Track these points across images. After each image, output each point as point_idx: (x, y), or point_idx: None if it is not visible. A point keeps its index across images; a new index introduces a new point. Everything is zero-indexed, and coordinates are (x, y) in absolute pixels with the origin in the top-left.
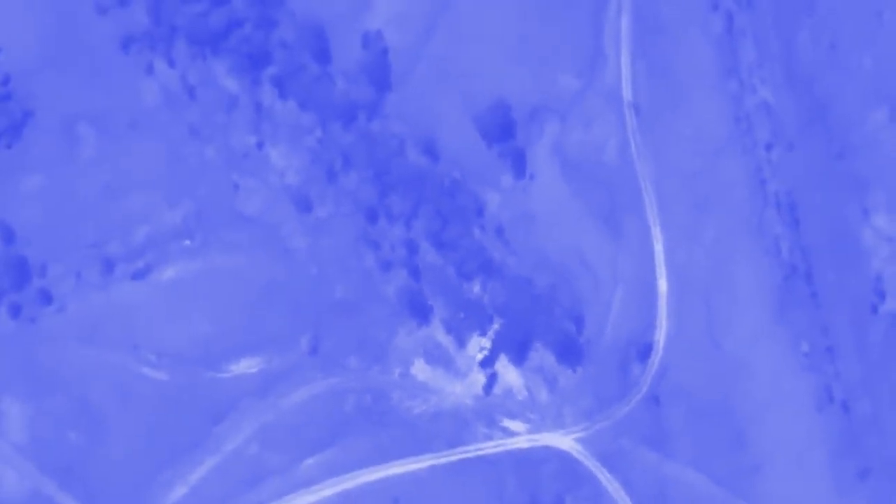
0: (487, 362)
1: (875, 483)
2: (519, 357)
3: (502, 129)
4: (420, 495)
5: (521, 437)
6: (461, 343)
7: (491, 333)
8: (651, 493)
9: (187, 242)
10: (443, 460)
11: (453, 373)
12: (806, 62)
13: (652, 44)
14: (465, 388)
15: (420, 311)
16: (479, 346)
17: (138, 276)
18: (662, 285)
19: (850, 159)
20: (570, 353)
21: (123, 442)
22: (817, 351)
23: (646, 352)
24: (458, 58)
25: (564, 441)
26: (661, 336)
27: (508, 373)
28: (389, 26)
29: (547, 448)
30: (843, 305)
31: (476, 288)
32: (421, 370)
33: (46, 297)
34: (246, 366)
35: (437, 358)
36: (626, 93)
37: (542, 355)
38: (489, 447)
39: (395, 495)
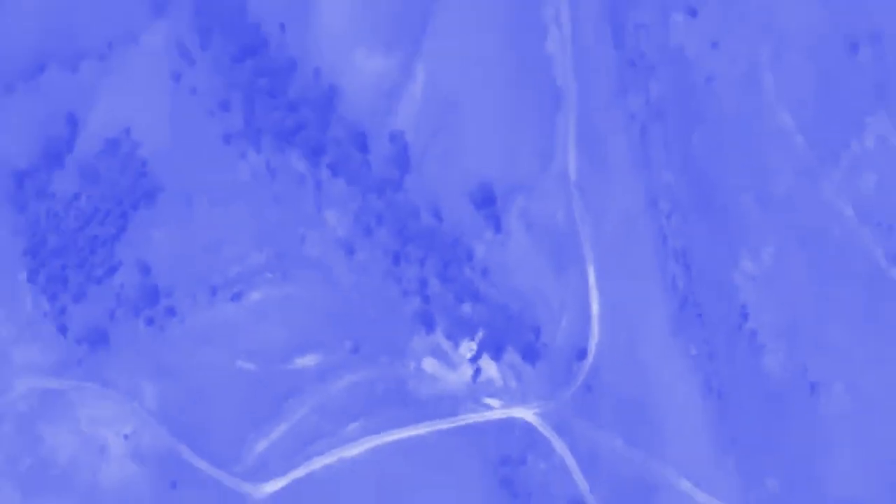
0: (474, 360)
1: (742, 448)
2: (496, 356)
3: (486, 200)
4: (427, 450)
5: (497, 411)
6: (456, 346)
7: (477, 340)
8: (586, 450)
9: (269, 275)
10: (443, 426)
11: (450, 367)
12: (698, 156)
13: (591, 141)
14: (458, 377)
15: (428, 324)
16: (468, 348)
17: (235, 298)
18: (595, 308)
19: (725, 224)
20: (530, 354)
21: (224, 413)
22: (702, 355)
23: (582, 354)
24: (457, 149)
25: (527, 414)
26: (592, 344)
27: (489, 367)
28: (408, 127)
29: (514, 419)
30: (719, 324)
31: (467, 309)
32: (429, 365)
33: (171, 312)
34: (308, 361)
35: (440, 356)
36: (573, 175)
37: (512, 356)
38: (475, 417)
39: (409, 449)
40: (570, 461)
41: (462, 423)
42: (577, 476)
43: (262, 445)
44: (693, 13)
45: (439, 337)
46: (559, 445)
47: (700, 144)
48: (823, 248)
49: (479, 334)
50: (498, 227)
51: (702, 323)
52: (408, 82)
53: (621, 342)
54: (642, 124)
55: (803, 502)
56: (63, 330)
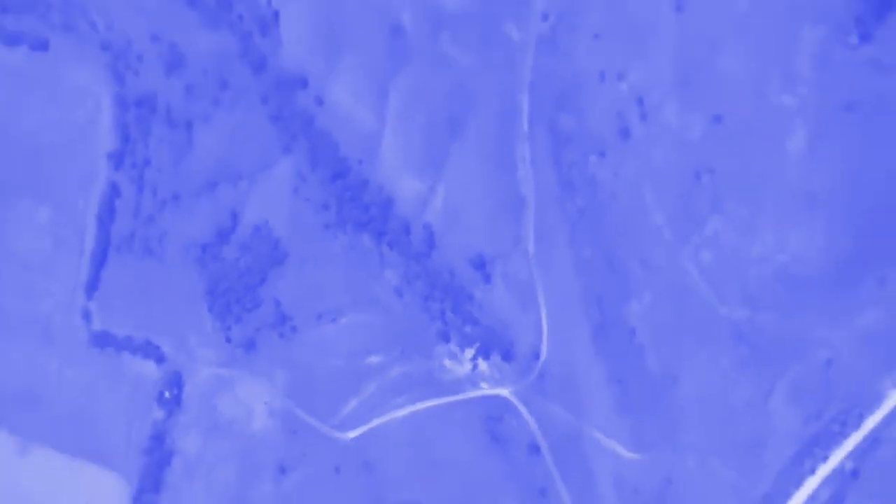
0: (473, 359)
1: (635, 412)
2: (486, 357)
3: (480, 265)
4: (444, 413)
5: (486, 390)
6: (462, 351)
7: (475, 348)
8: (539, 414)
9: (352, 308)
10: (454, 399)
11: (459, 363)
12: (606, 243)
13: (543, 232)
14: (463, 370)
15: (446, 338)
16: (470, 353)
17: (332, 321)
18: (545, 329)
19: (623, 278)
20: (507, 356)
21: (325, 389)
22: (610, 358)
23: (537, 356)
24: (463, 234)
25: (504, 392)
26: (543, 351)
27: (482, 364)
28: (435, 221)
29: (497, 395)
30: (619, 338)
31: (469, 329)
32: (446, 363)
33: (294, 329)
34: (374, 359)
35: (453, 357)
36: (531, 251)
37: (496, 358)
38: (474, 393)
39: (435, 412)
40: (531, 420)
41: (465, 397)
42: (535, 429)
43: (345, 410)
44: (602, 154)
45: (453, 346)
46: (524, 411)
47: (606, 234)
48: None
49: (476, 344)
50: (488, 281)
51: (606, 339)
52: (434, 195)
53: (561, 350)
54: (572, 223)
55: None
56: (228, 340)
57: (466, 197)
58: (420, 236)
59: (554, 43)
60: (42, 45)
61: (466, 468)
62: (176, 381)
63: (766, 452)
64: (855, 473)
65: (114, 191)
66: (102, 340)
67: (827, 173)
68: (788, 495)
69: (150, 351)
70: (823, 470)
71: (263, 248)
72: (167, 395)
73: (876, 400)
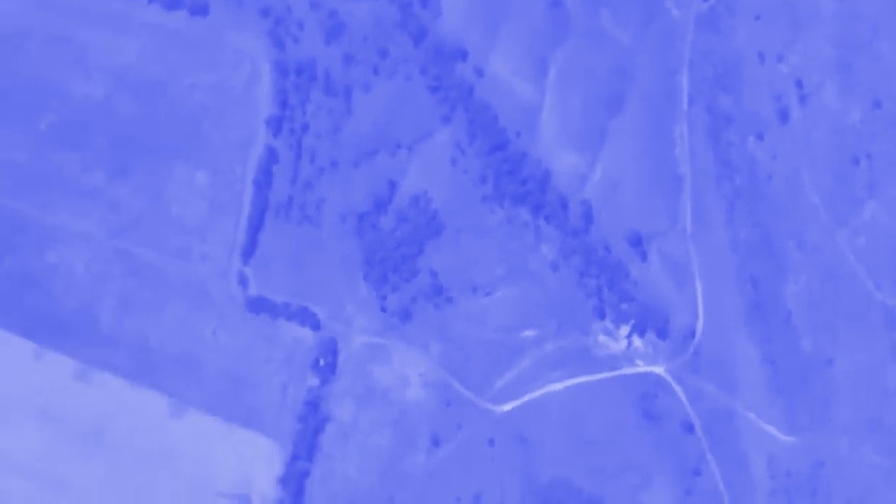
0: (628, 336)
1: (789, 394)
2: (641, 335)
3: (637, 242)
4: (600, 388)
5: (641, 367)
6: (618, 328)
7: (630, 325)
8: (693, 392)
9: (508, 281)
10: (609, 375)
11: (615, 340)
12: (761, 221)
13: (699, 210)
14: (619, 346)
15: (601, 315)
16: (625, 330)
17: (487, 294)
18: (700, 307)
19: (781, 260)
20: (662, 334)
21: (479, 361)
22: (763, 339)
23: (692, 335)
24: (621, 211)
25: (659, 370)
26: (699, 328)
27: (637, 341)
28: (592, 197)
29: (651, 372)
30: (775, 315)
31: (625, 307)
32: (602, 339)
33: (449, 300)
34: (530, 333)
35: (608, 334)
36: (688, 230)
37: (650, 335)
38: (629, 370)
39: (590, 387)
40: (684, 398)
41: (620, 373)
42: (688, 407)
43: (500, 383)
44: (760, 137)
45: (608, 322)
46: (678, 389)
47: (763, 215)
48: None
49: (632, 321)
50: (644, 258)
51: (761, 319)
52: (592, 170)
53: (715, 329)
54: (729, 203)
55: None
56: (384, 309)
57: (624, 174)
58: (577, 211)
59: (714, 23)
60: (202, 10)
61: (619, 445)
62: (331, 349)
63: None
64: None
65: (271, 157)
66: (258, 306)
67: None
68: None
69: (306, 318)
70: None
71: (421, 219)
72: (322, 362)
73: None
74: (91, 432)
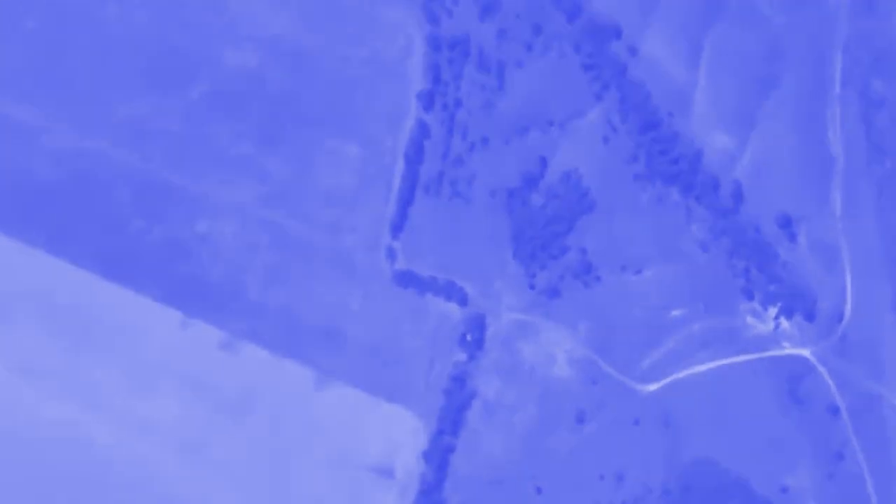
0: (776, 318)
1: None
2: (789, 317)
3: (786, 223)
4: (747, 369)
5: (788, 349)
6: (765, 310)
7: (778, 307)
8: (839, 376)
9: (658, 258)
10: (756, 356)
11: (762, 322)
12: None
13: (850, 193)
14: (766, 328)
15: (750, 296)
16: (773, 311)
17: (636, 272)
18: (849, 291)
19: None
20: (810, 316)
21: (624, 340)
22: None
23: (840, 318)
24: (771, 192)
25: (805, 352)
26: (847, 311)
27: (784, 323)
28: (743, 178)
29: (798, 355)
30: None
31: (773, 288)
32: (750, 320)
33: (598, 279)
34: (678, 312)
35: (756, 315)
36: (838, 212)
37: (798, 317)
38: (776, 352)
39: (738, 368)
40: (830, 382)
41: (768, 355)
42: (834, 391)
43: (646, 363)
44: None
45: (756, 304)
46: (824, 372)
47: None
48: None
49: (779, 303)
50: (793, 240)
51: None
52: (743, 152)
53: (863, 314)
54: (880, 187)
55: None
56: (532, 286)
57: (775, 155)
58: (728, 192)
59: (870, 6)
60: None
61: (764, 427)
62: (479, 325)
63: None
64: None
65: (423, 131)
66: (406, 280)
67: None
68: None
69: (454, 293)
70: None
71: (571, 197)
72: (469, 337)
73: None
74: (236, 403)
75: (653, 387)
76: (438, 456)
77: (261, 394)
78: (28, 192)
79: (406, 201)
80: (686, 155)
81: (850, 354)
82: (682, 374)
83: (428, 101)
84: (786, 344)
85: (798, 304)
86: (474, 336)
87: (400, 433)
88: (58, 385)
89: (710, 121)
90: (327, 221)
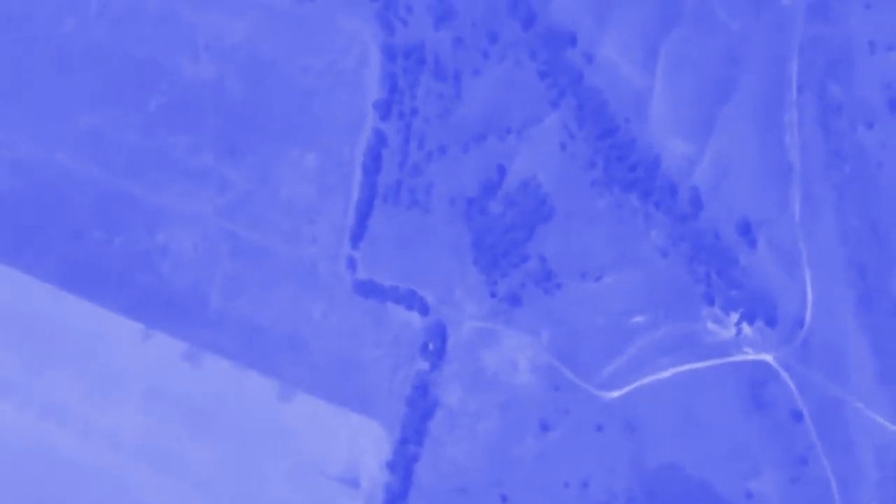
0: (738, 324)
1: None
2: (750, 322)
3: (746, 230)
4: (708, 376)
5: (750, 355)
6: (727, 315)
7: (739, 312)
8: (800, 380)
9: (617, 267)
10: (719, 362)
11: (723, 327)
12: (872, 213)
13: (808, 199)
14: (728, 333)
15: (710, 301)
16: (734, 317)
17: (596, 280)
18: (809, 296)
19: (891, 250)
20: (771, 322)
21: (588, 348)
22: (870, 329)
23: (801, 324)
24: (730, 199)
25: (768, 357)
26: (807, 317)
27: (746, 329)
28: (701, 184)
29: (760, 360)
30: (882, 303)
31: (734, 293)
32: (711, 326)
33: (558, 286)
34: (639, 318)
35: (717, 321)
36: (797, 218)
37: (759, 323)
38: (738, 357)
39: (698, 374)
40: (792, 387)
41: (730, 360)
42: (797, 396)
43: (608, 369)
44: (870, 125)
45: (717, 309)
46: (786, 377)
47: (873, 204)
48: None
49: (741, 309)
50: (753, 245)
51: (871, 309)
52: (701, 157)
53: (824, 318)
54: (839, 191)
55: None
56: (493, 294)
57: (733, 161)
58: (686, 197)
59: (824, 11)
60: None
61: (727, 432)
62: (440, 333)
63: None
64: None
65: (380, 140)
66: (367, 289)
67: None
68: None
69: (415, 302)
70: None
71: (530, 204)
72: (431, 346)
73: None
74: (199, 414)
75: (616, 393)
76: (403, 465)
77: (224, 404)
78: None
79: (365, 211)
80: (644, 161)
81: (813, 359)
82: (645, 381)
83: (385, 110)
84: (748, 349)
85: (759, 309)
86: (436, 345)
87: (364, 443)
88: (20, 397)
89: (667, 126)
90: (287, 231)
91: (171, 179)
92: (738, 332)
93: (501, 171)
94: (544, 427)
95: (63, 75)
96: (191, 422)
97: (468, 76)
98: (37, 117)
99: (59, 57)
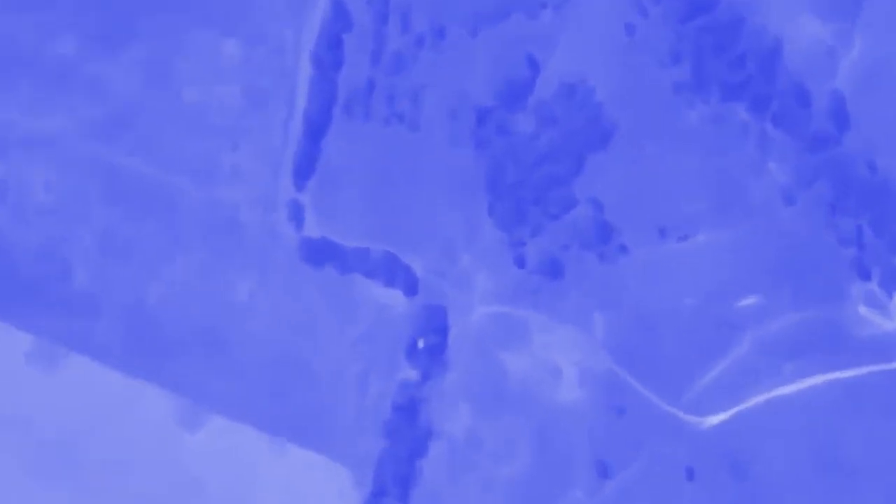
0: None
1: None
2: None
3: None
4: (859, 390)
5: None
6: (890, 296)
7: None
8: None
9: (714, 220)
10: (872, 370)
11: (885, 315)
12: None
13: None
14: (891, 323)
15: (864, 273)
16: None
17: (681, 239)
18: None
19: None
20: None
21: (668, 346)
22: None
23: None
24: (891, 111)
25: None
26: None
27: None
28: (847, 88)
29: None
30: None
31: None
32: (864, 311)
33: (623, 249)
34: (749, 301)
35: (874, 304)
36: None
37: None
38: None
39: (843, 388)
40: None
41: (892, 367)
42: None
43: (702, 382)
44: None
45: (874, 285)
46: None
47: None
48: None
49: None
50: None
51: None
52: (848, 48)
53: None
54: None
55: None
56: (520, 261)
57: (893, 52)
58: (824, 110)
59: None
60: None
61: (888, 476)
62: (437, 324)
63: None
64: None
65: (341, 17)
66: (320, 253)
67: None
68: None
69: (396, 273)
70: None
71: (578, 119)
72: (422, 344)
73: None
74: (55, 449)
75: (714, 419)
76: None
77: (95, 435)
78: None
79: (316, 130)
80: (757, 52)
81: None
82: (757, 400)
83: None
84: None
85: None
86: (430, 342)
87: (316, 495)
88: None
89: (797, 5)
90: (194, 162)
91: (12, 80)
92: None
93: (533, 66)
94: (603, 472)
95: None
96: (38, 459)
97: None
98: None
99: None
